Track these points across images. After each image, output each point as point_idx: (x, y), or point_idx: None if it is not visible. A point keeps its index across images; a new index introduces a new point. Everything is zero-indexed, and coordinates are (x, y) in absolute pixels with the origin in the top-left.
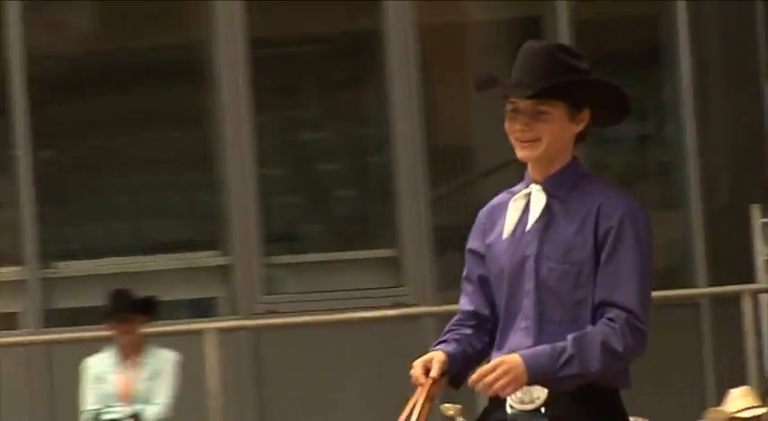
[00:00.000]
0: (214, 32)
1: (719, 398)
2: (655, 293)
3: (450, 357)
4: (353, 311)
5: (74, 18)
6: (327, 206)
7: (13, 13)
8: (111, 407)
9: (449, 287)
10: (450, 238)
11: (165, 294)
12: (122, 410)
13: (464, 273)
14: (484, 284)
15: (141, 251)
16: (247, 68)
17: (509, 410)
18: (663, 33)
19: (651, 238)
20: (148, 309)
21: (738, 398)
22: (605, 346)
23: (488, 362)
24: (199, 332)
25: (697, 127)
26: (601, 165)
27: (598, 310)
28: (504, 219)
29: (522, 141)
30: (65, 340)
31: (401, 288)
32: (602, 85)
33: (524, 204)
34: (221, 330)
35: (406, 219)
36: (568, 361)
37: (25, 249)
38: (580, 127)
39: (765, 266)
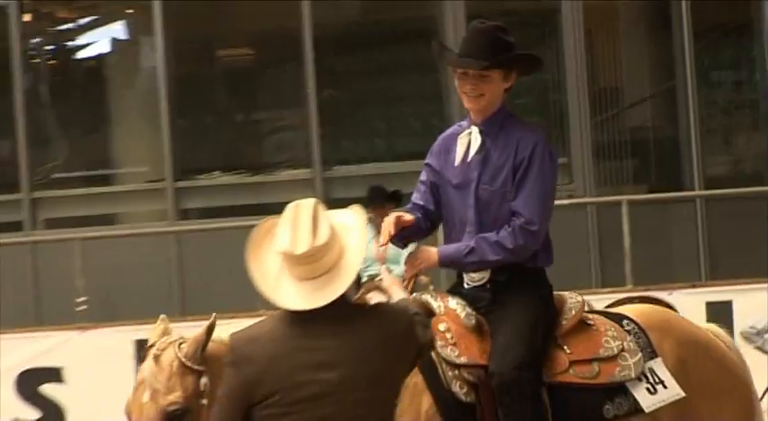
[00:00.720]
0: (439, 7)
1: None
2: None
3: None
4: None
5: None
6: None
7: None
8: (370, 266)
9: (604, 184)
10: (604, 150)
11: (408, 189)
12: (378, 268)
13: (421, 177)
14: (433, 188)
15: (392, 159)
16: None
17: (465, 286)
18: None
19: (554, 166)
20: (396, 199)
21: None
22: (498, 244)
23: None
24: None
25: None
26: (709, 102)
27: (512, 217)
28: (455, 149)
29: (470, 96)
30: None
31: (571, 184)
32: (525, 56)
33: (467, 141)
34: None
35: (574, 137)
36: (470, 252)
37: (312, 157)
38: (509, 84)
39: None
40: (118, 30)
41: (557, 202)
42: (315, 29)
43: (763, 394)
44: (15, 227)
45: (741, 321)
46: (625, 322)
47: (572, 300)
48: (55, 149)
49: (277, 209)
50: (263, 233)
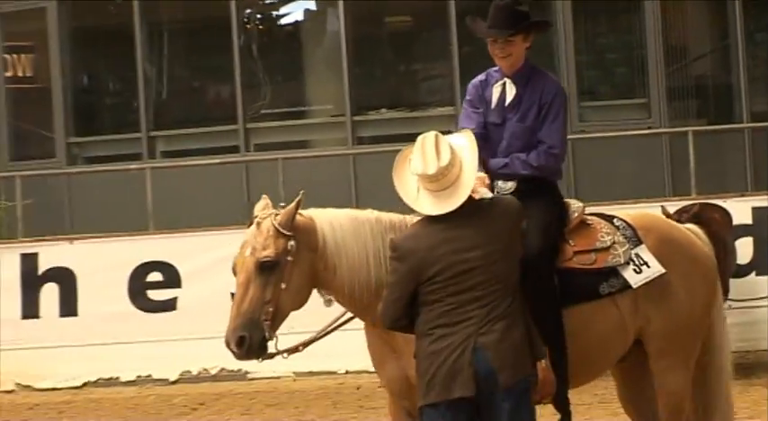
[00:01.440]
0: None
1: None
2: None
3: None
4: (626, 131)
5: None
6: (611, 76)
7: None
8: None
9: (675, 119)
10: (675, 93)
11: None
12: None
13: (469, 114)
14: (478, 116)
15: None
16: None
17: (496, 193)
18: None
19: (566, 106)
20: None
21: None
22: (526, 161)
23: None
24: None
25: None
26: (755, 56)
27: (538, 144)
28: (491, 93)
29: (500, 57)
30: None
31: (649, 119)
32: (538, 22)
33: (501, 89)
34: None
35: (652, 83)
36: (504, 166)
37: (455, 97)
38: (529, 43)
39: None
40: (310, 3)
41: (640, 132)
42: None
43: None
44: (233, 150)
45: None
46: (616, 220)
47: (575, 205)
48: (263, 92)
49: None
50: (401, 160)
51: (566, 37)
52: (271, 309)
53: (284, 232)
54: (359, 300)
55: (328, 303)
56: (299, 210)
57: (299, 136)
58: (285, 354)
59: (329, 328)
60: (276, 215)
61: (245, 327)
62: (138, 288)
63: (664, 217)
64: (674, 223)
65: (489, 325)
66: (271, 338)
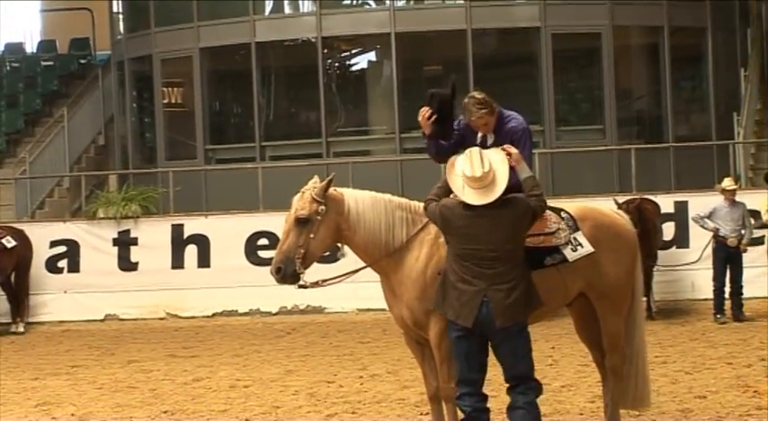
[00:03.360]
0: None
1: None
2: None
3: None
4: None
5: None
6: (578, 110)
7: None
8: None
9: (624, 138)
10: (624, 122)
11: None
12: None
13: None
14: (459, 141)
15: None
16: None
17: None
18: None
19: (531, 137)
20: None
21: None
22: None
23: None
24: None
25: None
26: None
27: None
28: (471, 138)
29: (482, 126)
30: None
31: (604, 139)
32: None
33: (482, 137)
34: None
35: (607, 114)
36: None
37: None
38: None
39: None
40: (371, 55)
41: (598, 148)
42: (474, 57)
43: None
44: (318, 156)
45: None
46: (562, 213)
47: None
48: (339, 116)
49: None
50: (450, 164)
51: (547, 82)
52: (302, 251)
53: (318, 199)
54: (372, 254)
55: (342, 256)
56: (334, 187)
57: (363, 147)
58: (309, 283)
59: (345, 274)
60: (315, 188)
61: (283, 262)
62: (251, 249)
63: (599, 208)
64: (605, 211)
65: (496, 285)
66: (301, 271)
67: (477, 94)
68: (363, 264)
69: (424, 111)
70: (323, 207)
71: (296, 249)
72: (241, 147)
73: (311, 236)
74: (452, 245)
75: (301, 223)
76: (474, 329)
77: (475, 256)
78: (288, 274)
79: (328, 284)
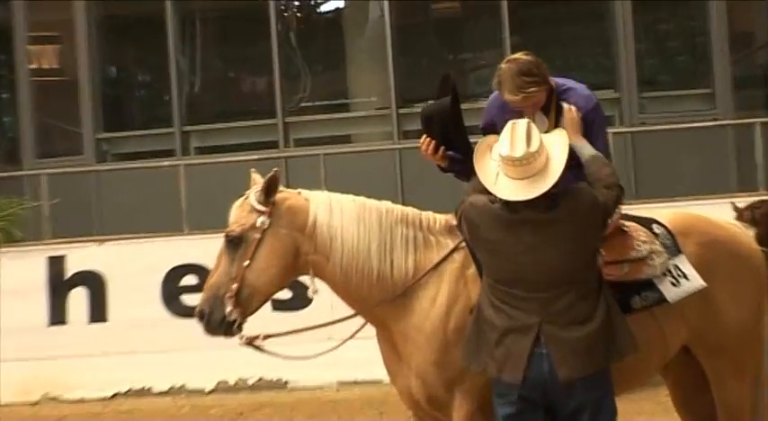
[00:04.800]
0: None
1: None
2: None
3: None
4: (689, 123)
5: None
6: (673, 65)
7: None
8: None
9: (740, 109)
10: (743, 83)
11: None
12: None
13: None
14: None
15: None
16: None
17: None
18: None
19: (604, 118)
20: None
21: None
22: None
23: None
24: None
25: None
26: None
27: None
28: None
29: (527, 106)
30: None
31: (714, 110)
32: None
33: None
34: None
35: (717, 72)
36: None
37: None
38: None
39: None
40: None
41: (704, 124)
42: None
43: None
44: (272, 145)
45: None
46: (655, 226)
47: None
48: (302, 83)
49: (476, 130)
50: (484, 147)
51: (624, 24)
52: (235, 286)
53: (258, 208)
54: (355, 290)
55: (314, 294)
56: (286, 188)
57: (341, 130)
58: (242, 341)
59: (313, 327)
60: (254, 190)
61: (208, 302)
62: (171, 292)
63: (708, 217)
64: (719, 222)
65: (557, 320)
66: (235, 318)
67: (522, 57)
68: (347, 311)
69: (426, 144)
70: (263, 219)
71: (226, 283)
72: (151, 134)
73: (245, 263)
74: (487, 265)
75: (232, 245)
76: (531, 393)
77: (522, 281)
78: (214, 323)
79: (272, 336)
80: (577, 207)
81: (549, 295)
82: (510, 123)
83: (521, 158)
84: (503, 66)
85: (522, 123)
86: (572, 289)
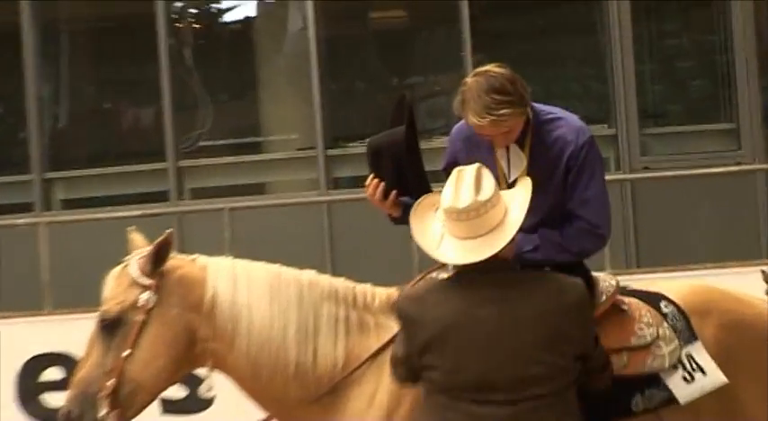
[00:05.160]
0: None
1: None
2: None
3: None
4: (706, 168)
5: None
6: (685, 92)
7: None
8: None
9: None
10: None
11: None
12: None
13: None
14: None
15: None
16: None
17: None
18: None
19: (600, 157)
20: None
21: None
22: (562, 245)
23: None
24: None
25: None
26: None
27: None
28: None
29: (498, 138)
30: None
31: (739, 151)
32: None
33: (505, 157)
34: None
35: (743, 101)
36: (534, 250)
37: None
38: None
39: None
40: None
41: (726, 169)
42: None
43: None
44: (161, 197)
45: None
46: (663, 304)
47: (605, 283)
48: (201, 116)
49: (432, 177)
50: (426, 204)
51: (621, 39)
52: (111, 382)
53: (141, 281)
54: (267, 386)
55: (208, 391)
56: (195, 257)
57: (251, 177)
58: None
59: None
60: (141, 257)
61: (76, 402)
62: (30, 390)
63: (730, 291)
64: (743, 297)
65: None
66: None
67: (494, 69)
68: (259, 414)
69: (373, 187)
70: (148, 296)
71: (100, 379)
72: (2, 183)
73: (124, 353)
74: (432, 371)
75: (108, 329)
76: None
77: (475, 387)
78: None
79: None
80: (561, 292)
81: (510, 408)
82: (455, 171)
83: (467, 209)
84: (468, 80)
85: (470, 169)
86: (537, 396)
